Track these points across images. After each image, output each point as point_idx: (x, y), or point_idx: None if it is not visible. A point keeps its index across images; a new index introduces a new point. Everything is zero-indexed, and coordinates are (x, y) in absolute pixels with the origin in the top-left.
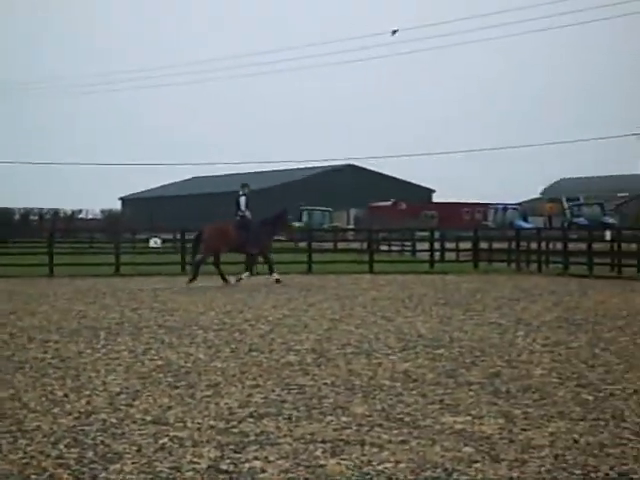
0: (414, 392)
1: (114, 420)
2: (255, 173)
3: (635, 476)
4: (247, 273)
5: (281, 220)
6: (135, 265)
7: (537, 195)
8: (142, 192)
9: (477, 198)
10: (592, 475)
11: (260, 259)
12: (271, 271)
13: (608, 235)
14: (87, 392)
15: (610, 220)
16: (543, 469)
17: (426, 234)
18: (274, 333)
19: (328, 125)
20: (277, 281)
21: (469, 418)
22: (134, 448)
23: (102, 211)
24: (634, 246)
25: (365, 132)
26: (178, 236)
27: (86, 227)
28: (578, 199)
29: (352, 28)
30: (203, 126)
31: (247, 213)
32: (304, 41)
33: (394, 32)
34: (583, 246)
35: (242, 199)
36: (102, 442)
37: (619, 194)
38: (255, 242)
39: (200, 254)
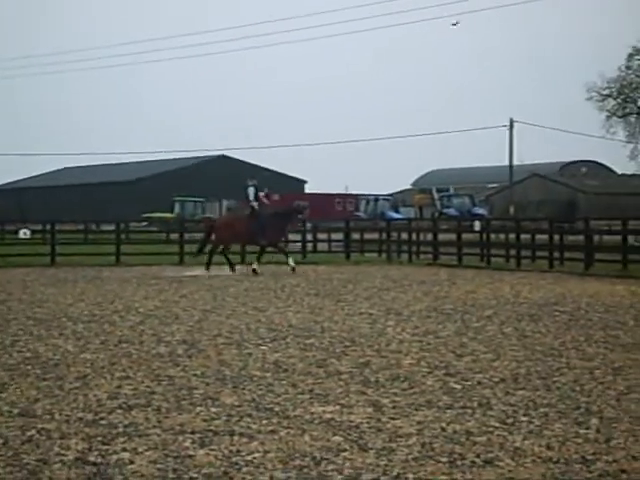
0: (284, 382)
1: None
2: (127, 163)
3: (500, 463)
4: (256, 263)
5: (295, 212)
6: (3, 257)
7: (408, 186)
8: (11, 183)
9: (349, 189)
10: (458, 463)
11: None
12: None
13: (477, 226)
14: None
15: (479, 211)
16: (410, 457)
17: (298, 225)
18: (144, 324)
19: (202, 115)
20: (292, 270)
21: (338, 407)
22: (0, 440)
23: None
24: (502, 236)
25: (239, 123)
26: (48, 227)
27: None
28: (448, 190)
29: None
30: (75, 115)
31: (255, 204)
32: (178, 31)
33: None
34: (453, 237)
35: (250, 190)
36: None
37: (488, 185)
38: (265, 234)
39: (212, 244)
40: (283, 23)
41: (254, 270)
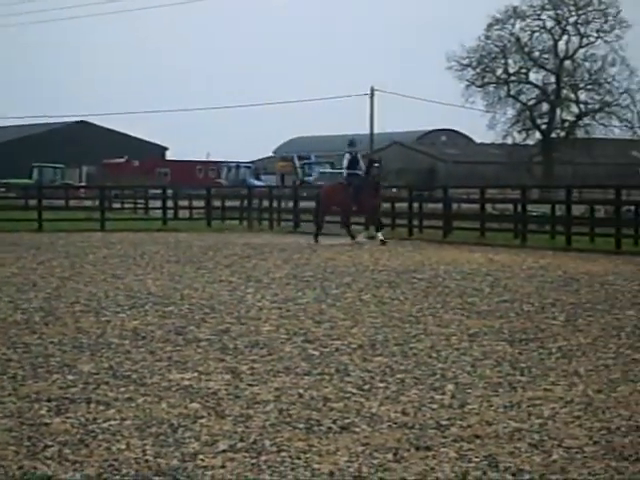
0: (142, 349)
1: None
2: None
3: (357, 429)
4: (375, 232)
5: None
6: None
7: (270, 154)
8: None
9: (210, 156)
10: (315, 429)
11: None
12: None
13: None
14: None
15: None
16: (267, 424)
17: (159, 192)
18: (1, 292)
19: (61, 81)
20: (382, 242)
21: (196, 375)
22: None
23: None
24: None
25: (99, 88)
26: None
27: None
28: (309, 158)
29: None
30: None
31: (360, 172)
32: None
33: None
34: (313, 204)
35: (346, 157)
36: None
37: None
38: (360, 201)
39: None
40: None
41: (382, 241)
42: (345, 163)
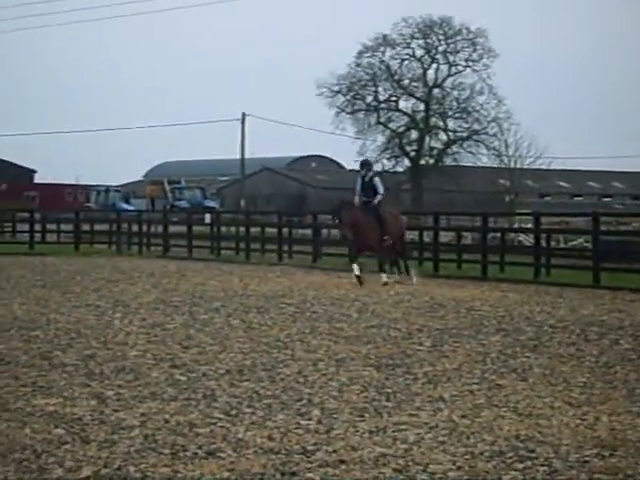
0: (6, 374)
1: None
2: None
3: (223, 454)
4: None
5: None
6: None
7: (140, 177)
8: None
9: (80, 180)
10: (180, 454)
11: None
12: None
13: (208, 218)
14: None
15: (211, 203)
16: (132, 449)
17: (26, 215)
18: None
19: None
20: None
21: (61, 400)
22: None
23: None
24: (233, 229)
25: None
26: None
27: None
28: (180, 182)
29: None
30: None
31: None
32: None
33: None
34: (184, 229)
35: (378, 180)
36: None
37: (220, 178)
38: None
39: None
40: None
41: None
42: (358, 186)
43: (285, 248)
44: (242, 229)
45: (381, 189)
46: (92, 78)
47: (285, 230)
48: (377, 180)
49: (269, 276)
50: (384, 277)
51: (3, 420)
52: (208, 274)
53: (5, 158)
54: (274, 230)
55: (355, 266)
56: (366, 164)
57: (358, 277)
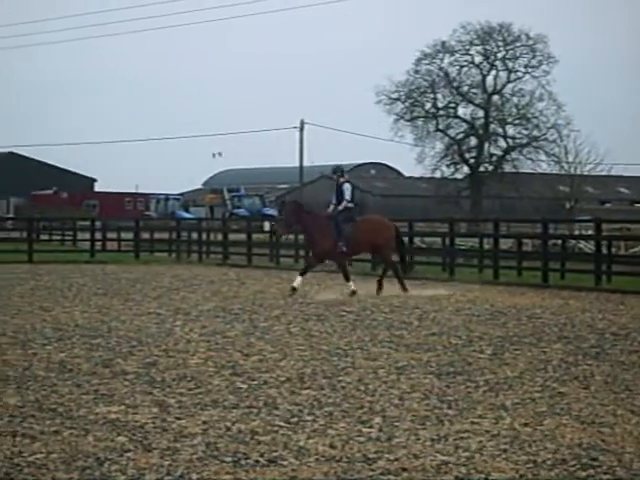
0: (69, 382)
1: None
2: None
3: (284, 462)
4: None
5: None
6: None
7: (199, 186)
8: None
9: (139, 188)
10: (242, 462)
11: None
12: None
13: (267, 226)
14: None
15: (270, 211)
16: (195, 457)
17: (87, 223)
18: None
19: None
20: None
21: (123, 407)
22: None
23: None
24: (292, 237)
25: (28, 119)
26: None
27: None
28: (239, 190)
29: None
30: None
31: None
32: None
33: None
34: (243, 237)
35: (347, 186)
36: None
37: (279, 185)
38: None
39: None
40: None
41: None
42: (348, 194)
43: None
44: (301, 237)
45: (347, 195)
46: (152, 87)
47: None
48: (346, 186)
49: (328, 283)
50: (351, 286)
51: (66, 428)
52: (267, 282)
53: (66, 167)
54: None
55: (299, 278)
56: (336, 170)
57: (294, 289)
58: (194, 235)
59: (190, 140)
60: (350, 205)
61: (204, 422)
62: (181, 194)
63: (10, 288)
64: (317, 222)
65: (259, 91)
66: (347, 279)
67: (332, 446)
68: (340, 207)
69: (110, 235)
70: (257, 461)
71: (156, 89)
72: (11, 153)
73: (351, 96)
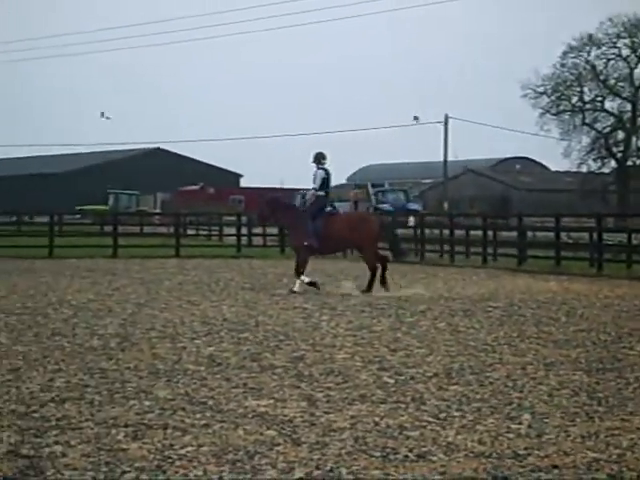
0: (218, 376)
1: None
2: (60, 155)
3: (433, 458)
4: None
5: None
6: None
7: (343, 181)
8: None
9: (284, 183)
10: (391, 457)
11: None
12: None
13: (412, 221)
14: None
15: (414, 206)
16: (343, 451)
17: (233, 219)
18: (77, 317)
19: (136, 108)
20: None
21: (272, 401)
22: None
23: None
24: (436, 232)
25: (174, 116)
26: None
27: None
28: (383, 185)
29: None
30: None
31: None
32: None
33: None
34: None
35: (317, 173)
36: None
37: (423, 180)
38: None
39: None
40: (221, 16)
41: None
42: (317, 181)
43: (490, 251)
44: (446, 232)
45: (314, 183)
46: (294, 83)
47: (490, 233)
48: (316, 173)
49: (474, 279)
50: (297, 283)
51: (216, 421)
52: (413, 277)
53: (213, 163)
54: (478, 232)
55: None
56: (316, 157)
57: (312, 284)
58: None
59: (334, 135)
60: (320, 193)
61: (352, 417)
62: None
63: (159, 283)
64: (289, 216)
65: (402, 87)
66: (298, 275)
67: (481, 442)
68: (308, 197)
69: (256, 230)
70: (406, 456)
71: (300, 85)
72: (159, 149)
73: (496, 90)
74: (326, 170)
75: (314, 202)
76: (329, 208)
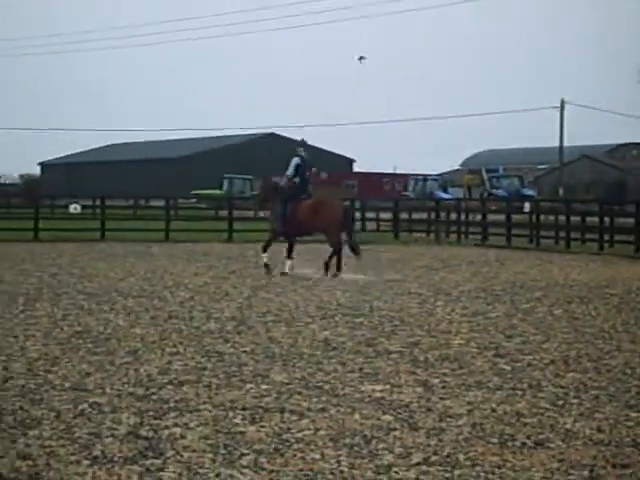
0: (334, 360)
1: (33, 386)
2: (175, 140)
3: (551, 445)
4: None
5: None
6: (54, 231)
7: (457, 166)
8: (61, 157)
9: (397, 169)
10: (509, 444)
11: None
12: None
13: (527, 207)
14: (4, 357)
15: (528, 192)
16: (461, 437)
17: (347, 204)
18: (194, 300)
19: (251, 93)
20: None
21: (388, 387)
22: (53, 414)
23: (21, 176)
24: (552, 218)
25: (288, 101)
26: (98, 202)
27: (3, 192)
28: (497, 170)
29: None
30: (123, 93)
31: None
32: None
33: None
34: (502, 217)
35: (293, 161)
36: (21, 407)
37: (538, 166)
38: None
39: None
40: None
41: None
42: (291, 170)
43: (606, 237)
44: (561, 218)
45: (288, 171)
46: (408, 66)
47: (606, 219)
48: (292, 161)
49: (590, 266)
50: (264, 258)
51: (332, 405)
52: (527, 263)
53: (327, 148)
54: (595, 219)
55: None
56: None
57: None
58: (452, 215)
59: (448, 120)
60: (295, 180)
61: (468, 403)
62: (439, 175)
63: (273, 267)
64: (276, 202)
65: (519, 71)
66: (264, 250)
67: (600, 430)
68: (282, 183)
69: (369, 215)
70: (524, 443)
71: (413, 69)
72: (272, 134)
73: (612, 76)
74: (302, 157)
75: (289, 189)
76: (305, 195)
